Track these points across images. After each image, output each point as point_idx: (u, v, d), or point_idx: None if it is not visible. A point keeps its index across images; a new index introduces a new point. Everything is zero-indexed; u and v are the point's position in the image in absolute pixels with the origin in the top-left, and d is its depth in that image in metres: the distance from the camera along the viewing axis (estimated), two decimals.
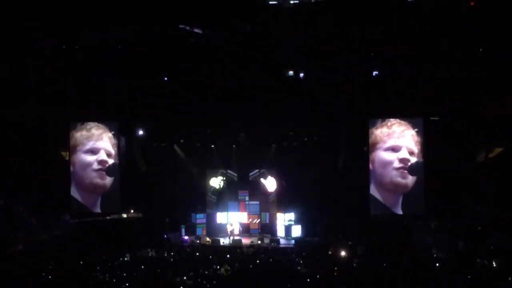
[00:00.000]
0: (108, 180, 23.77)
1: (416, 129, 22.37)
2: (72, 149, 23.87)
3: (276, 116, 24.06)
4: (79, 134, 23.83)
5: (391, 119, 22.55)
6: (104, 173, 23.78)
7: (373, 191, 22.75)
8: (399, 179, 22.36)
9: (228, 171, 26.51)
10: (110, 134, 23.82)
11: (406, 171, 22.35)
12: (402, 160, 22.32)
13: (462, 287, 14.22)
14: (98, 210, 24.07)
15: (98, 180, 23.77)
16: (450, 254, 17.97)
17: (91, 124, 23.88)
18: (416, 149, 22.33)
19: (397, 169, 22.37)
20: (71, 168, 23.90)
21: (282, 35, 21.52)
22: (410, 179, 22.32)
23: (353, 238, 21.42)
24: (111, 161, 23.85)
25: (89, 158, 23.78)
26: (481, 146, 23.63)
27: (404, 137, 22.40)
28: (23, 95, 22.67)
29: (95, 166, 23.74)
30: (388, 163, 22.49)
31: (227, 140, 26.06)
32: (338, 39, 21.21)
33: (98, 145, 23.79)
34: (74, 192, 23.88)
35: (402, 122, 22.48)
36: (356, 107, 23.41)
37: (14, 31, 20.63)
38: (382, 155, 22.60)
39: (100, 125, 23.84)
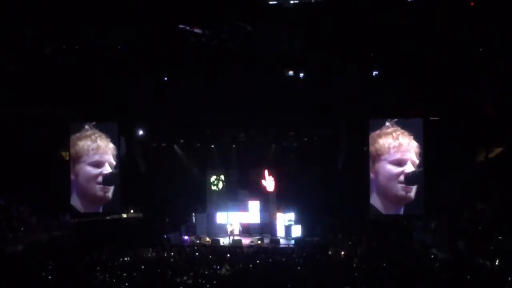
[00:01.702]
0: (111, 192, 23.59)
1: (417, 140, 22.10)
2: (77, 158, 23.70)
3: (276, 116, 24.06)
4: (83, 144, 23.58)
5: (397, 129, 22.17)
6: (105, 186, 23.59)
7: (374, 200, 22.50)
8: (403, 193, 22.08)
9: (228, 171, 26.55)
10: (111, 145, 23.59)
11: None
12: (408, 174, 22.11)
13: (462, 287, 14.21)
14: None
15: (102, 193, 23.59)
16: (450, 254, 17.94)
17: (96, 133, 23.57)
18: (417, 161, 22.08)
19: (402, 182, 22.12)
20: (72, 177, 23.78)
21: (282, 35, 21.52)
22: (413, 191, 22.05)
23: (353, 238, 21.41)
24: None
25: (94, 171, 23.58)
26: (481, 146, 23.63)
27: (409, 151, 22.09)
28: (23, 95, 22.67)
29: (100, 179, 23.56)
30: (394, 177, 22.16)
31: (227, 140, 26.06)
32: (338, 39, 21.20)
33: (104, 158, 23.57)
34: (75, 202, 23.77)
35: (406, 132, 22.15)
36: (356, 107, 23.41)
37: (14, 31, 20.62)
38: (388, 167, 22.21)
39: (103, 134, 23.58)
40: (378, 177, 22.40)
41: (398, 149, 22.16)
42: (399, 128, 22.23)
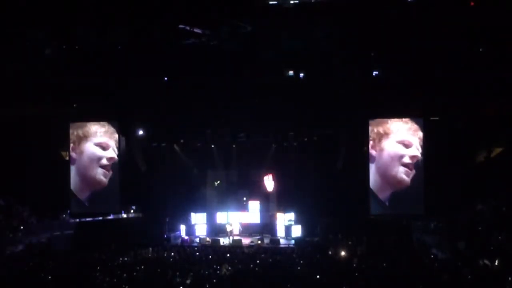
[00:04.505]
0: (108, 177, 24.45)
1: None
2: (84, 138, 24.49)
3: (276, 116, 24.06)
4: (92, 127, 24.57)
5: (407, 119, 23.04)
6: (107, 170, 24.47)
7: (372, 176, 23.20)
8: (403, 176, 22.86)
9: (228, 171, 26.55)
10: (116, 135, 24.50)
11: (410, 170, 22.82)
12: (412, 157, 22.79)
13: (462, 287, 14.22)
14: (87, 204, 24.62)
15: (101, 177, 24.46)
16: (450, 254, 17.95)
17: (106, 125, 24.58)
18: (421, 149, 22.81)
19: (405, 165, 22.80)
20: (75, 155, 24.45)
21: (282, 35, 21.53)
22: (411, 177, 22.77)
23: (353, 238, 21.40)
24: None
25: (99, 152, 24.49)
26: (481, 146, 23.65)
27: (416, 136, 22.89)
28: (23, 95, 22.68)
29: (104, 161, 24.48)
30: (399, 157, 22.94)
31: (227, 140, 26.06)
32: (338, 39, 21.21)
33: (110, 142, 24.51)
34: (73, 181, 24.39)
35: (415, 124, 22.91)
36: (356, 107, 23.43)
37: (15, 31, 20.64)
38: (394, 146, 23.00)
39: (111, 127, 24.54)
40: (382, 154, 23.12)
41: (408, 131, 22.96)
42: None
